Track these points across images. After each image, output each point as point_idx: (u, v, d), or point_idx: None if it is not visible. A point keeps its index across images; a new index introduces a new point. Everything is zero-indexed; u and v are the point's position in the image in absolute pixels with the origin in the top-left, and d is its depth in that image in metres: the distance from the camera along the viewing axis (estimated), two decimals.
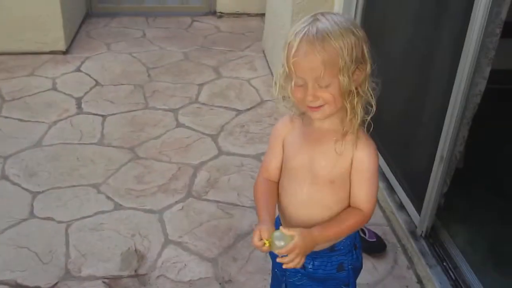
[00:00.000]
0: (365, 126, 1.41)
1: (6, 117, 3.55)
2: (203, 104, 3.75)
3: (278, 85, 1.41)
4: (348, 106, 1.34)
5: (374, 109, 1.38)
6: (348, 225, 1.45)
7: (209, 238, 2.57)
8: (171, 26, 5.19)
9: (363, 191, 1.44)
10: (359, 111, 1.36)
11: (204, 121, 3.54)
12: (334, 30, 1.27)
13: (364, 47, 1.32)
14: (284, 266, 1.37)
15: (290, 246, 1.33)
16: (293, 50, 1.29)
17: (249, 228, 2.62)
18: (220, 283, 2.33)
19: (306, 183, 1.47)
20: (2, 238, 2.55)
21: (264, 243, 1.36)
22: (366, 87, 1.35)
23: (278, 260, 1.38)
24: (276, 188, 1.55)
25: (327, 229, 1.43)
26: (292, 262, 1.35)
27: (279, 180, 1.56)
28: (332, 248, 1.55)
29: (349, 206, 1.48)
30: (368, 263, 2.41)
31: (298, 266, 1.38)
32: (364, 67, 1.33)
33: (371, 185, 1.44)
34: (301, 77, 1.32)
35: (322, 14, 1.32)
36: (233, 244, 2.54)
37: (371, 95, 1.37)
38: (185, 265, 2.43)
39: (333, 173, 1.43)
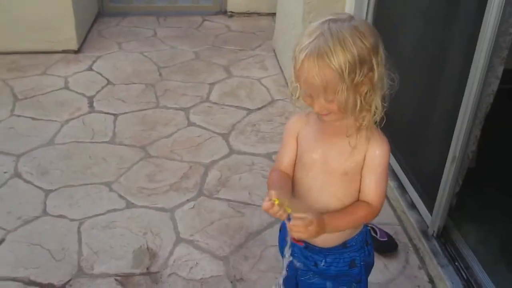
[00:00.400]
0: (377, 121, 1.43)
1: (19, 116, 3.58)
2: (214, 103, 3.76)
3: (292, 87, 1.42)
4: (353, 115, 1.37)
5: (381, 112, 1.39)
6: (356, 216, 1.47)
7: (220, 236, 2.58)
8: (182, 26, 5.20)
9: (373, 185, 1.46)
10: (373, 109, 1.38)
11: (215, 120, 3.55)
12: (336, 49, 1.27)
13: (373, 56, 1.32)
14: (289, 229, 1.35)
15: (309, 218, 1.32)
16: (298, 65, 1.32)
17: (261, 227, 2.63)
18: (231, 281, 2.34)
19: (320, 176, 1.49)
20: (15, 236, 2.58)
21: (273, 203, 1.33)
22: (377, 91, 1.36)
23: (288, 224, 1.35)
24: (289, 178, 1.57)
25: (336, 218, 1.44)
26: (299, 231, 1.33)
27: (293, 174, 1.57)
28: (344, 245, 1.56)
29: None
30: (379, 262, 2.41)
31: (302, 237, 1.36)
32: (373, 75, 1.33)
33: (382, 180, 1.47)
34: (306, 90, 1.35)
35: (329, 25, 1.29)
36: (244, 243, 2.55)
37: (382, 98, 1.38)
38: (196, 263, 2.44)
39: (346, 166, 1.45)
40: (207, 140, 3.33)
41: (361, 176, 1.47)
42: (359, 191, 1.49)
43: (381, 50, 1.34)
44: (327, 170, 1.48)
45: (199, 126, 3.48)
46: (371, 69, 1.32)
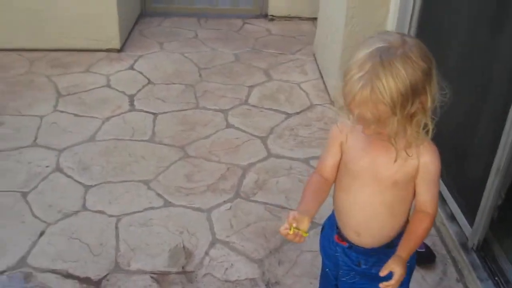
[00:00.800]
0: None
1: (62, 112, 3.66)
2: (253, 106, 3.77)
3: (339, 107, 1.41)
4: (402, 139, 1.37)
5: (431, 126, 1.38)
6: (421, 232, 1.50)
7: (256, 239, 2.58)
8: (223, 28, 5.23)
9: (430, 194, 1.49)
10: (421, 127, 1.37)
11: (254, 123, 3.55)
12: (389, 85, 1.24)
13: (426, 83, 1.30)
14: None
15: (397, 279, 1.40)
16: (349, 99, 1.30)
17: None
18: (266, 285, 2.33)
19: (368, 184, 1.49)
20: (55, 229, 2.63)
21: (289, 231, 1.39)
22: (428, 112, 1.35)
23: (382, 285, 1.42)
24: (327, 186, 1.58)
25: (410, 245, 1.48)
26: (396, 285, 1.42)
27: (335, 179, 1.59)
28: (389, 245, 1.56)
29: (406, 205, 1.53)
30: (416, 273, 2.37)
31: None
32: (424, 98, 1.31)
33: (436, 188, 1.50)
34: (357, 119, 1.34)
35: (381, 57, 1.26)
36: (280, 247, 2.54)
37: (432, 117, 1.37)
38: (232, 264, 2.44)
39: (396, 176, 1.46)
40: (245, 142, 3.34)
41: (414, 185, 1.49)
42: (414, 200, 1.52)
43: (434, 73, 1.32)
44: (376, 179, 1.48)
45: (237, 128, 3.49)
46: (424, 94, 1.31)
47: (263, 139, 3.37)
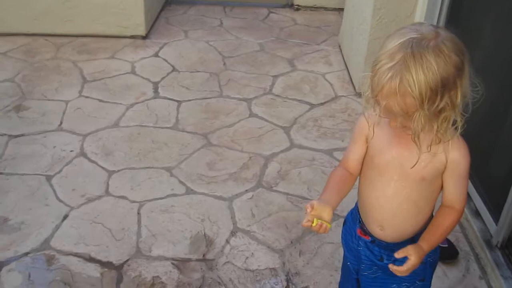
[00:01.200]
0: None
1: (87, 97, 3.69)
2: (277, 95, 3.75)
3: (366, 98, 1.39)
4: (421, 133, 1.33)
5: (461, 123, 1.35)
6: (446, 227, 1.48)
7: (277, 229, 2.58)
8: (248, 17, 5.21)
9: (459, 190, 1.46)
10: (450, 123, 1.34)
11: (277, 112, 3.54)
12: (418, 78, 1.22)
13: (457, 78, 1.27)
14: (393, 271, 1.42)
15: (412, 261, 1.39)
16: (378, 89, 1.28)
17: None
18: (286, 275, 2.33)
19: (393, 179, 1.47)
20: (78, 213, 2.66)
21: (311, 224, 1.38)
22: (457, 108, 1.32)
23: (392, 267, 1.42)
24: (351, 180, 1.57)
25: (433, 238, 1.47)
26: (404, 273, 1.41)
27: (360, 172, 1.57)
28: (413, 240, 1.54)
29: (432, 201, 1.51)
30: (438, 269, 2.34)
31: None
32: (455, 93, 1.28)
33: (465, 183, 1.47)
34: (383, 111, 1.32)
35: (412, 49, 1.23)
36: (301, 237, 2.53)
37: (463, 112, 1.34)
38: (252, 253, 2.44)
39: (424, 172, 1.43)
40: (268, 132, 3.33)
41: (442, 181, 1.46)
42: (442, 195, 1.49)
43: (467, 68, 1.29)
44: (403, 173, 1.45)
45: (261, 118, 3.48)
46: (454, 89, 1.27)
47: (286, 129, 3.36)
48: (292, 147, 3.19)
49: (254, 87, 3.85)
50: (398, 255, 1.40)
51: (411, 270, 1.40)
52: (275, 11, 5.39)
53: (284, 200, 2.77)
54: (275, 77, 4.01)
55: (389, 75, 1.24)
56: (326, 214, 1.40)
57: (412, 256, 1.38)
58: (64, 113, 3.49)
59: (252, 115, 3.51)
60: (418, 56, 1.22)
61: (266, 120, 3.45)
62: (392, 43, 1.27)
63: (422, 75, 1.22)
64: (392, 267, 1.42)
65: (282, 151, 3.15)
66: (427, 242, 1.44)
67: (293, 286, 2.28)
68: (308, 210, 1.39)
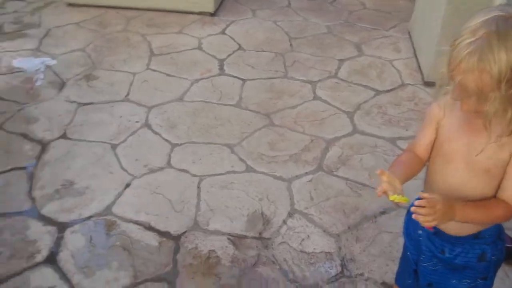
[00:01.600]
0: None
1: (154, 70, 3.75)
2: (342, 80, 3.70)
3: (440, 79, 1.35)
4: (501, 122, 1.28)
5: None
6: (491, 213, 1.40)
7: (335, 213, 2.56)
8: None
9: None
10: None
11: (342, 97, 3.49)
12: (500, 56, 1.17)
13: None
14: (414, 216, 1.32)
15: (433, 199, 1.30)
16: (455, 64, 1.24)
17: (377, 211, 2.56)
18: (341, 260, 2.31)
19: (460, 168, 1.42)
20: (141, 182, 2.72)
21: (390, 196, 1.34)
22: None
23: (412, 209, 1.32)
24: (419, 163, 1.52)
25: (470, 209, 1.38)
26: (425, 216, 1.30)
27: (428, 159, 1.52)
28: (477, 235, 1.49)
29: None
30: (500, 269, 2.26)
31: (428, 225, 1.34)
32: None
33: None
34: (457, 90, 1.28)
35: (497, 25, 1.19)
36: (358, 224, 2.50)
37: None
38: (308, 236, 2.43)
39: (490, 163, 1.37)
40: (332, 116, 3.29)
41: (504, 173, 1.38)
42: (499, 188, 1.41)
43: None
44: (469, 163, 1.40)
45: (324, 101, 3.44)
46: None
47: (350, 114, 3.31)
48: (355, 132, 3.15)
49: (320, 70, 3.81)
50: (423, 194, 1.31)
51: (431, 217, 1.30)
52: None
53: (344, 185, 2.74)
54: (341, 61, 3.95)
55: (469, 50, 1.20)
56: (396, 184, 1.35)
57: (438, 203, 1.29)
58: (131, 84, 3.57)
59: (316, 97, 3.48)
60: (503, 34, 1.18)
61: (329, 104, 3.41)
62: (475, 20, 1.23)
63: (504, 54, 1.17)
64: (414, 208, 1.32)
65: (344, 136, 3.11)
66: (463, 206, 1.36)
67: (348, 272, 2.26)
68: (382, 177, 1.34)
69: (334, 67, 3.85)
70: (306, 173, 2.81)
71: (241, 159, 2.89)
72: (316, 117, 3.27)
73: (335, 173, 2.82)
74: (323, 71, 3.79)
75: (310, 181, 2.76)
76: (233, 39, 4.23)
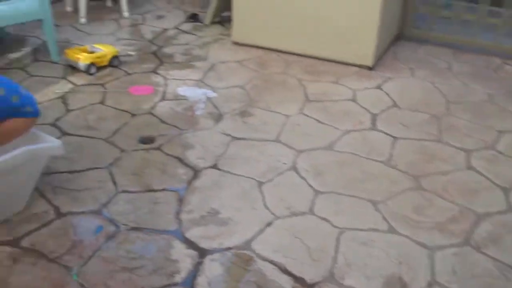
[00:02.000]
0: None
1: (307, 116, 3.83)
2: (500, 152, 3.51)
3: None
4: None
5: None
6: None
7: None
8: (478, 64, 4.96)
9: None
10: None
11: (498, 170, 3.30)
12: None
13: None
14: None
15: None
16: None
17: None
18: None
19: None
20: (282, 223, 2.77)
21: None
22: None
23: None
24: None
25: None
26: None
27: None
28: None
29: None
30: None
31: None
32: None
33: None
34: None
35: None
36: None
37: None
38: None
39: None
40: (485, 189, 3.12)
41: None
42: None
43: None
44: None
45: (478, 172, 3.28)
46: None
47: (505, 190, 3.12)
48: (509, 211, 2.95)
49: (476, 138, 3.65)
50: None
51: None
52: (510, 62, 5.05)
53: (491, 266, 2.57)
54: (501, 132, 3.75)
55: None
56: None
57: None
58: (283, 126, 3.67)
59: (469, 167, 3.33)
60: None
61: (483, 175, 3.24)
62: None
63: None
64: None
65: (497, 213, 2.93)
66: None
67: None
68: None
69: (493, 138, 3.67)
70: (452, 244, 2.68)
71: (384, 218, 2.84)
72: (468, 187, 3.13)
73: (483, 250, 2.66)
74: (480, 140, 3.63)
75: (454, 254, 2.63)
76: (388, 95, 4.21)
